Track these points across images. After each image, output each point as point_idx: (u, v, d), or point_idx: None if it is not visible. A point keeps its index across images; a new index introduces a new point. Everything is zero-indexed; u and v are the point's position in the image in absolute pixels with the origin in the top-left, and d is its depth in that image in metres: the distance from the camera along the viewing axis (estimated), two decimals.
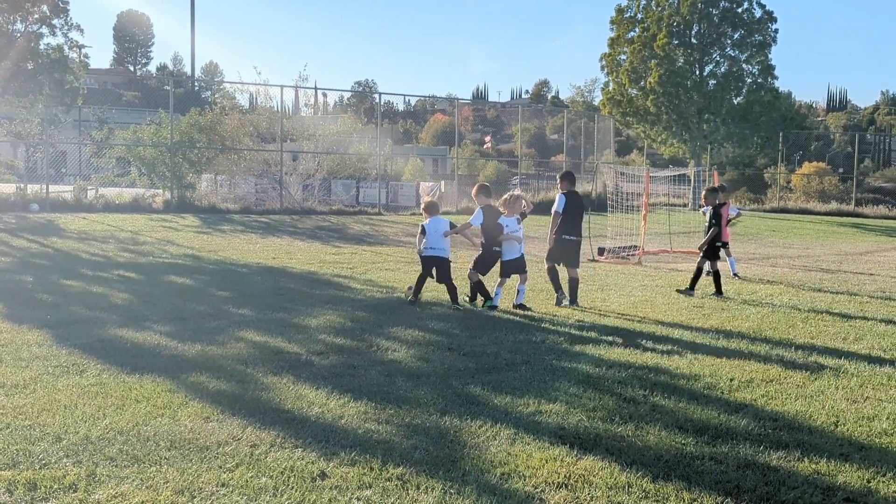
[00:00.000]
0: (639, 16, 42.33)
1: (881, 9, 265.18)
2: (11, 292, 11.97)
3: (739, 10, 40.94)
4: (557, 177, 13.01)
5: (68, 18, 24.45)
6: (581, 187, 38.53)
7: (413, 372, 7.82)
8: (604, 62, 43.15)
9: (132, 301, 11.54)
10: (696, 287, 13.48)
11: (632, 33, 42.16)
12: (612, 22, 42.98)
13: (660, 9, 41.49)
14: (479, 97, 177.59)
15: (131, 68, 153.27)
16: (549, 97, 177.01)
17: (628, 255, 19.46)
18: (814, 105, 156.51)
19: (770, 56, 40.86)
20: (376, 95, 36.27)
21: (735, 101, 40.69)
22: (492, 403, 6.85)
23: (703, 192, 14.85)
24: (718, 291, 13.35)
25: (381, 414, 6.48)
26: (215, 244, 19.54)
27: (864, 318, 11.46)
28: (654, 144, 45.74)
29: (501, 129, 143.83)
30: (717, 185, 17.85)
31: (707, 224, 14.12)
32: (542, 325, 10.50)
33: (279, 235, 22.34)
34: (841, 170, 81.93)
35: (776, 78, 40.86)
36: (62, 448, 5.57)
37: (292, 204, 30.68)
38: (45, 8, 24.16)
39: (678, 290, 13.56)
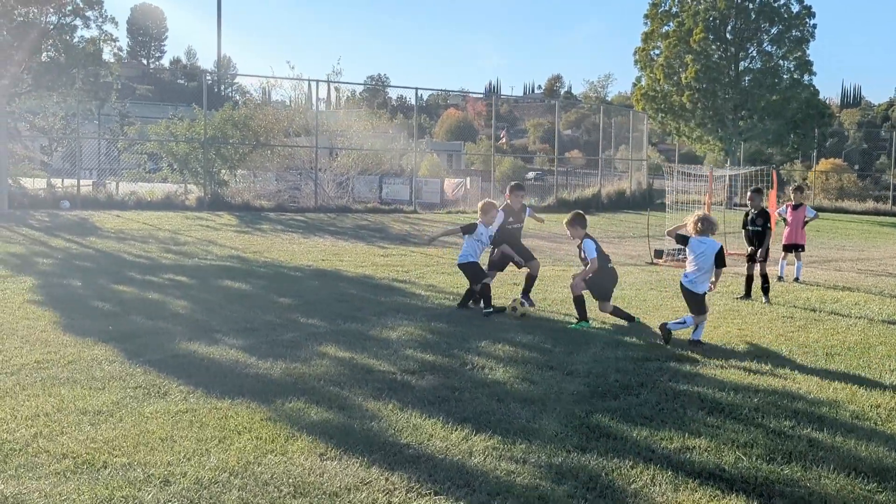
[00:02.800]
0: (674, 10, 41.45)
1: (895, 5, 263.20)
2: (64, 299, 11.33)
3: (777, 4, 40.01)
4: (565, 223, 11.17)
5: (103, 10, 23.79)
6: (614, 185, 37.91)
7: (525, 396, 7.14)
8: (637, 56, 42.29)
9: (193, 309, 10.89)
10: (769, 293, 12.98)
11: (666, 27, 41.30)
12: (645, 16, 42.14)
13: (696, 3, 40.63)
14: (492, 92, 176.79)
15: (145, 62, 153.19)
16: (563, 92, 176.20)
17: (684, 257, 18.69)
18: (828, 101, 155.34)
19: (808, 52, 39.99)
20: (389, 90, 35.38)
21: (772, 98, 39.73)
22: (628, 436, 6.17)
23: (750, 192, 13.98)
24: (747, 294, 13.06)
25: (513, 450, 5.81)
26: (259, 244, 18.89)
27: None
28: (687, 141, 44.90)
29: (515, 124, 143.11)
30: (776, 188, 17.04)
31: (754, 228, 13.38)
32: (631, 339, 9.81)
33: (321, 235, 21.68)
34: (857, 166, 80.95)
35: (814, 74, 40.02)
36: (175, 496, 4.91)
37: (326, 201, 30.02)
38: (78, 0, 23.52)
39: (764, 301, 12.76)
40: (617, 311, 10.72)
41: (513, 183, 12.38)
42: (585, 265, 10.77)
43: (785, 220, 15.92)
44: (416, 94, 34.70)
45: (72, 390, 6.99)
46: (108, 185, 29.94)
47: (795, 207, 15.71)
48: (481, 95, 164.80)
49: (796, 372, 8.29)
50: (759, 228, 13.21)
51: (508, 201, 12.10)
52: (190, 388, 7.13)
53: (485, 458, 5.65)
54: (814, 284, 15.04)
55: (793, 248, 15.52)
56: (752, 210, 13.49)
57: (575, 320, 10.61)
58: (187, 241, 18.94)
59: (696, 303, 9.66)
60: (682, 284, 9.91)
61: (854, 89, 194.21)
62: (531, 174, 72.11)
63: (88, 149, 32.25)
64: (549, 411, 6.71)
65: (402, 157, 36.33)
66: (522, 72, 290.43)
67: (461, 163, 75.46)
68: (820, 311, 12.03)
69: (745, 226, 13.67)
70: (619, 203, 35.84)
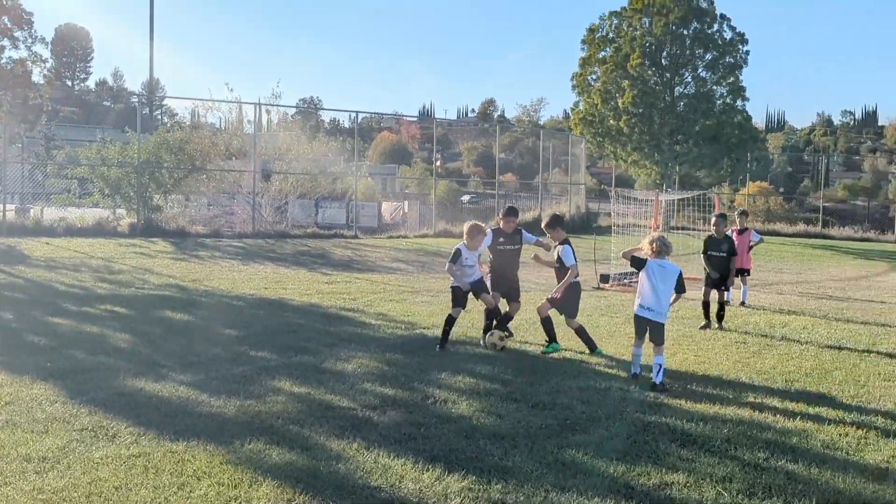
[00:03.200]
0: (610, 35, 41.90)
1: (815, 33, 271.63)
2: None
3: (711, 31, 40.71)
4: (544, 226, 11.04)
5: (32, 31, 23.03)
6: (553, 208, 38.05)
7: (493, 431, 6.89)
8: (574, 81, 42.59)
9: (135, 343, 10.43)
10: (723, 320, 12.76)
11: (603, 53, 41.71)
12: (583, 42, 42.49)
13: (632, 29, 41.13)
14: (426, 115, 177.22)
15: (70, 83, 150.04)
16: (496, 116, 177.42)
17: (630, 281, 18.69)
18: (755, 126, 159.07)
19: (741, 78, 40.72)
20: (322, 113, 34.93)
21: (706, 123, 40.34)
22: (605, 472, 5.96)
23: (714, 217, 13.41)
24: (709, 323, 12.63)
25: (489, 491, 5.56)
26: (197, 272, 18.34)
27: None
28: (624, 165, 45.32)
29: (449, 147, 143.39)
30: (719, 211, 16.99)
31: (719, 254, 12.85)
32: (590, 367, 9.65)
33: (261, 262, 21.19)
34: (782, 189, 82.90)
35: (747, 100, 40.71)
36: None
37: (264, 227, 29.46)
38: (6, 20, 22.71)
39: (717, 327, 12.61)
40: (582, 333, 10.50)
41: (507, 206, 11.76)
42: (558, 271, 10.55)
43: None
44: (356, 117, 34.45)
45: (12, 435, 6.53)
46: (31, 212, 28.94)
47: (741, 232, 15.78)
48: (415, 118, 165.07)
49: (760, 400, 8.20)
50: (725, 255, 12.82)
51: (500, 225, 11.47)
52: (140, 430, 6.73)
53: (462, 501, 5.38)
54: (760, 308, 15.10)
55: (738, 272, 15.53)
56: (716, 235, 13.18)
57: (545, 343, 10.51)
58: (122, 270, 18.31)
59: (661, 333, 9.00)
60: (644, 318, 9.10)
61: (778, 114, 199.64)
62: (466, 197, 72.22)
63: (12, 173, 31.22)
64: (521, 447, 6.47)
65: (336, 181, 35.82)
66: (456, 95, 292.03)
67: (395, 186, 75.23)
68: (771, 337, 12.02)
69: (706, 251, 13.11)
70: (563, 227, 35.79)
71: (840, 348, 11.17)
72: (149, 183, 28.01)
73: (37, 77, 25.17)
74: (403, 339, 11.20)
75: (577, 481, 5.75)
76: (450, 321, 10.61)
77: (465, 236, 10.71)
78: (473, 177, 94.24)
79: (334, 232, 30.81)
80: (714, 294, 12.74)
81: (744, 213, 16.37)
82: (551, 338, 10.49)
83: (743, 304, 15.23)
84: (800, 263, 26.46)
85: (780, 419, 7.50)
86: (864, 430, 7.19)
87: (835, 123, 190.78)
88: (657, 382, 8.54)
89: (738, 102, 40.99)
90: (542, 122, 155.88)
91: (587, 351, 10.39)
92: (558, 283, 10.57)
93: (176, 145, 28.52)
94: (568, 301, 10.47)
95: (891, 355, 10.60)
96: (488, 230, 11.17)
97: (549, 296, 10.50)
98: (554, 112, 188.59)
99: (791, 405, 8.00)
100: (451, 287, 10.84)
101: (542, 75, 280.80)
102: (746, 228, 15.96)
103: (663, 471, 5.99)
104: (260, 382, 8.47)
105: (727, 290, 12.65)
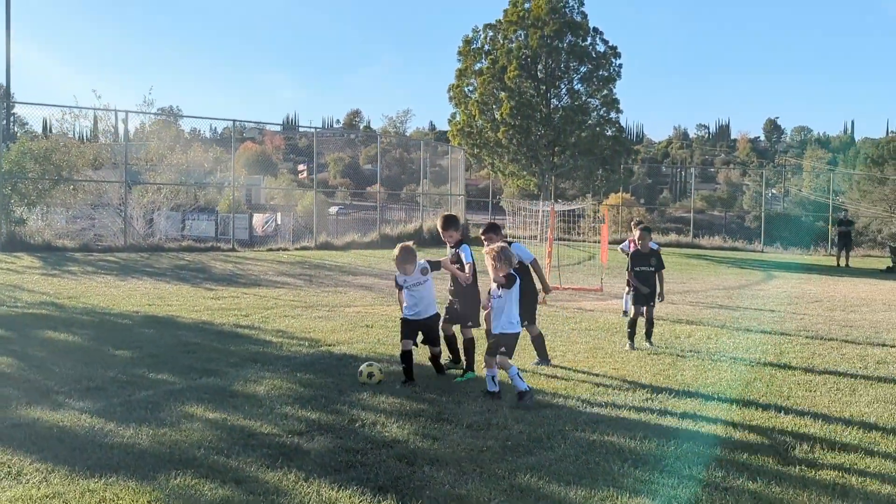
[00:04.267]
0: (486, 47, 42.11)
1: (671, 49, 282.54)
2: None
3: (585, 44, 41.41)
4: (440, 227, 10.25)
5: None
6: (434, 220, 37.87)
7: (434, 456, 6.52)
8: (451, 93, 42.60)
9: (20, 367, 9.59)
10: (652, 336, 12.20)
11: (479, 64, 41.87)
12: (459, 53, 42.55)
13: (508, 41, 41.45)
14: (291, 126, 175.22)
15: None
16: (362, 127, 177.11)
17: None
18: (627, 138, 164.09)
19: (615, 90, 41.57)
20: (183, 122, 33.74)
21: (581, 135, 41.00)
22: (564, 498, 5.69)
23: (639, 231, 12.91)
24: (632, 340, 11.93)
25: None
26: (73, 289, 17.25)
27: (829, 370, 11.05)
28: (501, 176, 45.59)
29: (313, 158, 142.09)
30: (603, 217, 17.08)
31: (647, 269, 12.26)
32: (506, 385, 9.39)
33: (139, 277, 20.15)
34: (643, 200, 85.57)
35: (621, 112, 41.60)
36: None
37: (137, 240, 28.13)
38: None
39: (647, 345, 11.98)
40: (540, 342, 10.40)
41: (445, 214, 10.61)
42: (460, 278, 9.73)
43: (628, 254, 16.06)
44: (234, 125, 33.26)
45: None
46: None
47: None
48: (279, 128, 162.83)
49: (695, 413, 8.11)
50: (653, 269, 12.28)
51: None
52: (47, 466, 6.08)
53: None
54: (658, 319, 15.18)
55: None
56: (641, 249, 12.63)
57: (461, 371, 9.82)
58: None
59: (514, 343, 8.71)
60: (508, 333, 8.58)
61: (637, 127, 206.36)
62: (333, 209, 71.35)
63: None
64: (470, 473, 6.13)
65: (200, 193, 34.56)
66: (321, 105, 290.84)
67: (261, 197, 73.65)
68: (679, 348, 12.03)
69: (633, 267, 12.47)
70: (440, 238, 35.68)
71: (750, 359, 11.24)
72: (11, 194, 26.33)
73: None
74: (310, 357, 10.70)
75: None
76: (403, 357, 9.29)
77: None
78: (341, 188, 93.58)
79: (211, 245, 29.74)
80: (645, 310, 12.10)
81: (640, 224, 16.48)
82: (455, 359, 10.02)
83: (625, 313, 15.32)
84: (680, 273, 27.04)
85: (720, 433, 7.41)
86: (809, 444, 7.15)
87: (690, 137, 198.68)
88: (492, 391, 8.48)
89: (612, 114, 41.84)
90: (408, 133, 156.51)
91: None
92: (456, 290, 10.05)
93: (41, 154, 26.93)
94: (473, 308, 9.97)
95: (804, 368, 10.67)
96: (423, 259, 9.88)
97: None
98: (420, 123, 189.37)
99: (728, 419, 7.93)
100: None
101: (406, 87, 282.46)
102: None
103: (627, 495, 5.74)
104: (169, 408, 7.86)
105: (654, 305, 12.19)
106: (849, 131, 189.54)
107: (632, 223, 16.76)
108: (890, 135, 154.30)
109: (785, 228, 50.15)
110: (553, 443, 6.94)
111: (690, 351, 11.81)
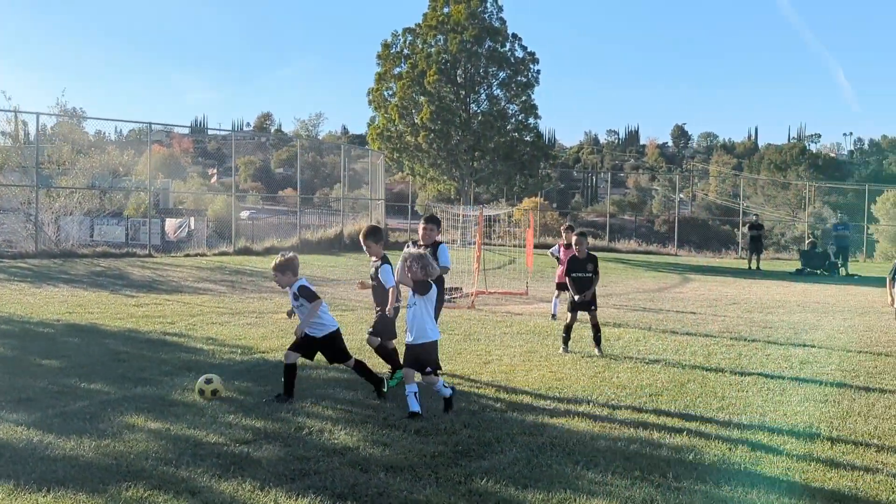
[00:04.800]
0: (405, 52, 42.12)
1: (580, 55, 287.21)
2: None
3: (503, 50, 41.76)
4: (365, 237, 9.83)
5: None
6: (355, 225, 37.76)
7: (387, 462, 6.51)
8: (371, 97, 42.49)
9: None
10: (601, 343, 12.05)
11: (399, 69, 41.84)
12: (378, 56, 42.44)
13: (427, 46, 41.53)
14: (199, 128, 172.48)
15: None
16: (273, 130, 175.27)
17: (450, 297, 18.70)
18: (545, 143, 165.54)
19: (533, 96, 42.03)
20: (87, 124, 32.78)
21: (500, 140, 41.30)
22: (524, 502, 5.73)
23: (575, 237, 12.78)
24: (567, 346, 11.96)
25: None
26: None
27: (756, 372, 11.38)
28: (420, 181, 45.62)
29: (223, 161, 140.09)
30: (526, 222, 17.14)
31: (583, 275, 12.27)
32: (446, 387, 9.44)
33: (55, 284, 19.56)
34: (555, 205, 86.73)
35: (539, 118, 42.04)
36: None
37: (48, 246, 27.29)
38: None
39: (597, 353, 11.82)
40: (393, 354, 9.80)
41: (369, 225, 10.28)
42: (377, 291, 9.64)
43: (558, 258, 16.28)
44: (149, 127, 32.55)
45: None
46: None
47: (568, 247, 16.03)
48: (187, 131, 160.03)
49: (636, 416, 8.25)
50: (590, 274, 12.30)
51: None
52: None
53: None
54: (584, 322, 15.39)
55: (567, 286, 15.77)
56: (578, 255, 12.53)
57: (389, 375, 9.68)
58: None
59: (435, 351, 8.34)
60: (426, 342, 8.21)
61: (549, 132, 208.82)
62: (245, 213, 70.37)
63: None
64: (425, 478, 6.14)
65: (105, 196, 33.57)
66: (231, 108, 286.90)
67: (170, 201, 72.15)
68: (610, 350, 12.18)
69: (570, 272, 12.47)
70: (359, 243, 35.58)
71: (681, 360, 11.47)
72: None
73: None
74: (244, 364, 10.57)
75: None
76: (285, 369, 8.78)
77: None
78: (252, 192, 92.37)
79: (126, 251, 29.06)
80: (588, 317, 12.11)
81: (570, 228, 16.65)
82: (395, 366, 9.72)
83: (554, 316, 15.51)
84: (601, 277, 27.42)
85: (665, 435, 7.52)
86: (749, 445, 7.32)
87: (601, 142, 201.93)
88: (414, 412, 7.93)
89: (531, 120, 42.30)
90: (320, 137, 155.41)
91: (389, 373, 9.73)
92: (375, 302, 9.87)
93: None
94: (386, 323, 9.66)
95: (733, 370, 10.89)
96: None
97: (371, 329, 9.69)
98: (333, 127, 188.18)
99: (668, 420, 8.10)
100: None
101: (318, 91, 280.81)
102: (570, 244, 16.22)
103: (584, 498, 5.82)
104: (108, 419, 7.68)
105: (595, 308, 12.17)
106: (752, 137, 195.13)
107: (562, 228, 16.88)
108: (792, 141, 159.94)
109: (694, 232, 51.45)
110: (503, 447, 7.00)
111: (622, 353, 12.00)
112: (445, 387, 8.33)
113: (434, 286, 8.36)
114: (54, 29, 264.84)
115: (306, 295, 8.73)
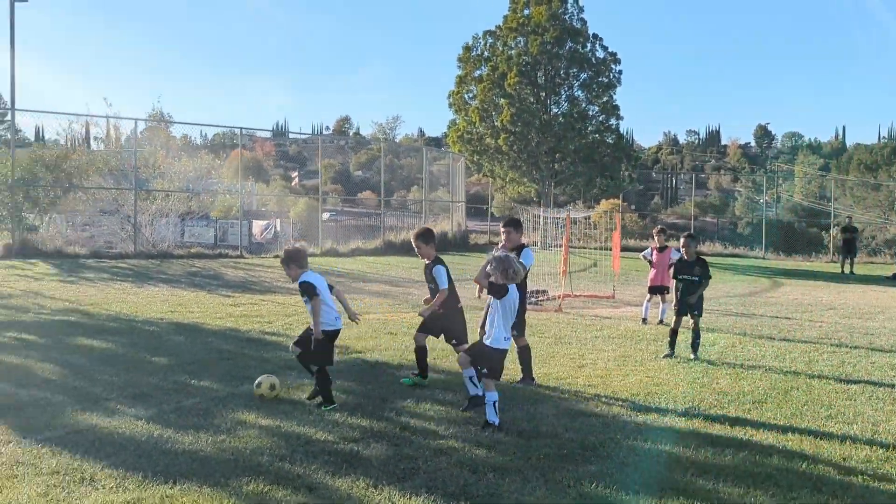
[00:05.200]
0: (486, 54, 42.35)
1: (662, 54, 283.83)
2: None
3: (584, 50, 41.68)
4: (416, 238, 9.85)
5: None
6: (437, 226, 38.06)
7: (493, 464, 6.65)
8: (451, 99, 42.84)
9: (64, 374, 9.71)
10: (699, 349, 11.93)
11: (479, 71, 42.10)
12: (459, 59, 42.80)
13: (507, 48, 41.69)
14: (280, 133, 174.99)
15: None
16: (352, 133, 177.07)
17: (539, 300, 18.80)
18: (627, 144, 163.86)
19: (615, 97, 41.86)
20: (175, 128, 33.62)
21: (581, 142, 41.23)
22: None
23: (683, 238, 12.47)
24: (672, 352, 11.94)
25: None
26: (93, 296, 17.34)
27: (863, 380, 11.20)
28: (500, 182, 45.79)
29: (304, 164, 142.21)
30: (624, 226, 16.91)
31: (690, 278, 11.98)
32: (549, 393, 9.55)
33: (155, 284, 20.24)
34: (633, 206, 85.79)
35: (621, 118, 41.87)
36: None
37: (146, 247, 28.22)
38: None
39: (693, 357, 11.77)
40: (526, 356, 9.94)
41: (422, 227, 10.39)
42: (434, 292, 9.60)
43: (651, 262, 16.23)
44: (240, 132, 33.31)
45: None
46: None
47: (661, 250, 16.00)
48: (269, 135, 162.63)
49: (741, 423, 8.21)
50: (697, 278, 11.99)
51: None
52: (119, 472, 6.22)
53: None
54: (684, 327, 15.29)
55: (658, 290, 15.76)
56: (686, 258, 12.26)
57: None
58: (11, 294, 17.14)
59: (500, 362, 7.96)
60: (492, 348, 7.89)
61: (628, 133, 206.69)
62: (325, 215, 71.28)
63: None
64: (534, 481, 6.27)
65: (192, 199, 34.37)
66: (310, 112, 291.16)
67: (253, 204, 73.65)
68: (707, 356, 12.03)
69: (676, 275, 12.25)
70: (442, 245, 35.96)
71: (781, 367, 11.34)
72: (23, 202, 26.45)
73: None
74: (344, 365, 10.82)
75: None
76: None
77: None
78: (332, 194, 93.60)
79: (219, 252, 29.86)
80: (690, 322, 11.96)
81: (662, 231, 16.59)
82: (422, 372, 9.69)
83: (661, 322, 15.35)
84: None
85: (776, 442, 7.50)
86: (863, 457, 7.20)
87: (680, 143, 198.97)
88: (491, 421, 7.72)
89: (612, 121, 42.10)
90: (397, 140, 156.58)
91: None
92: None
93: (52, 162, 27.03)
94: (459, 327, 9.64)
95: (838, 378, 10.70)
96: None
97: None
98: (409, 130, 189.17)
99: (777, 428, 8.03)
100: None
101: (395, 94, 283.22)
102: (666, 246, 16.15)
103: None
104: (220, 415, 8.01)
105: (699, 314, 12.02)
106: (840, 137, 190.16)
107: (655, 231, 16.81)
108: (882, 141, 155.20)
109: (780, 235, 50.37)
110: (608, 451, 7.08)
111: (719, 359, 11.90)
112: (476, 386, 8.35)
113: (512, 290, 8.01)
114: (147, 37, 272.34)
115: (306, 291, 8.78)
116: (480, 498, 5.89)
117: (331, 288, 9.25)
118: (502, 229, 10.44)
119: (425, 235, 9.88)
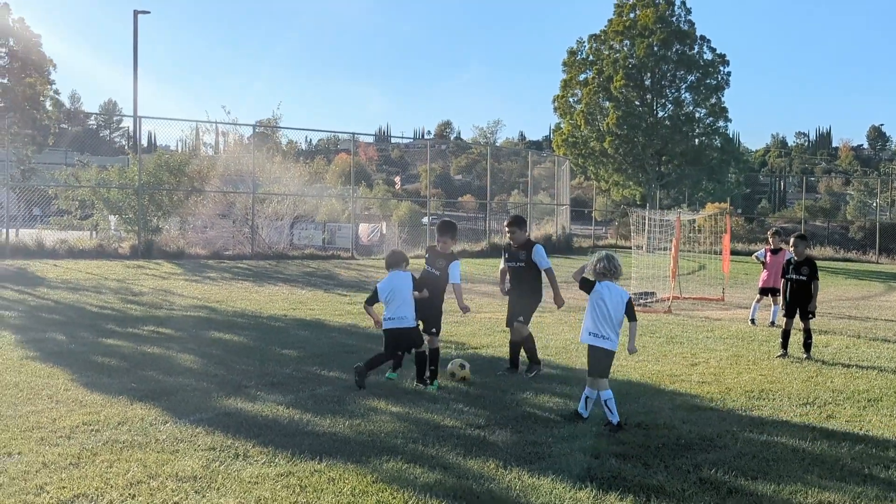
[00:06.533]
0: (590, 58, 42.47)
1: (770, 55, 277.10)
2: (63, 355, 10.69)
3: (692, 52, 41.40)
4: (438, 229, 10.26)
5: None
6: (541, 229, 38.34)
7: (614, 451, 6.98)
8: (556, 103, 43.09)
9: (204, 364, 10.43)
10: (812, 349, 12.07)
11: (584, 75, 42.25)
12: (564, 64, 43.02)
13: (613, 52, 41.73)
14: (383, 137, 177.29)
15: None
16: (453, 137, 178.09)
17: (647, 301, 18.96)
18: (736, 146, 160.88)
19: (723, 99, 41.45)
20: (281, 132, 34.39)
21: (688, 144, 40.96)
22: (754, 493, 6.07)
23: (793, 238, 12.58)
24: (785, 351, 12.01)
25: None
26: (218, 293, 18.29)
27: None
28: (605, 185, 45.81)
29: (406, 169, 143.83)
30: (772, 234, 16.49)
31: (798, 278, 12.07)
32: (672, 386, 9.81)
33: (274, 283, 21.15)
34: (740, 210, 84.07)
35: (729, 121, 41.43)
36: None
37: (263, 248, 29.39)
38: (11, 42, 22.49)
39: (805, 356, 11.87)
40: (529, 344, 10.36)
41: (445, 220, 10.77)
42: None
43: (763, 263, 16.23)
44: (353, 138, 34.31)
45: (147, 454, 6.57)
46: (18, 234, 28.54)
47: (775, 252, 15.97)
48: (371, 140, 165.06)
49: (857, 419, 8.35)
50: (805, 278, 12.05)
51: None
52: (269, 450, 6.78)
53: None
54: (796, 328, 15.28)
55: (770, 291, 15.78)
56: (795, 258, 12.36)
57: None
58: (143, 291, 18.20)
59: (600, 361, 7.97)
60: (595, 346, 8.00)
61: (734, 135, 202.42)
62: (426, 219, 72.05)
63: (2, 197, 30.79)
64: (654, 467, 6.58)
65: (298, 203, 35.41)
66: (412, 117, 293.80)
67: (357, 207, 74.87)
68: (821, 356, 12.10)
69: (784, 275, 12.40)
70: (547, 247, 36.09)
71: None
72: (149, 205, 27.88)
73: (44, 99, 24.85)
74: (465, 358, 11.26)
75: (742, 501, 5.88)
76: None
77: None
78: (434, 198, 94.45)
79: (331, 253, 30.83)
80: (801, 323, 12.02)
81: (777, 233, 16.53)
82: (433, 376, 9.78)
83: (773, 324, 15.34)
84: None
85: (889, 438, 7.62)
86: None
87: (789, 145, 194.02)
88: (616, 423, 7.73)
89: (720, 123, 41.67)
90: (498, 143, 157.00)
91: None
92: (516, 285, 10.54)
93: (175, 167, 28.42)
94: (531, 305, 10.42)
95: None
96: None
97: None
98: (510, 133, 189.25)
99: (889, 424, 8.16)
100: None
101: (494, 97, 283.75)
102: (781, 248, 16.07)
103: (815, 491, 6.06)
104: (352, 402, 8.54)
105: (812, 316, 12.01)
106: None
107: (769, 232, 16.78)
108: None
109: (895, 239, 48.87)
110: (725, 441, 7.35)
111: (832, 359, 11.94)
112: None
113: (596, 286, 8.07)
114: (266, 45, 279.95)
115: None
116: (605, 480, 6.24)
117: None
118: (507, 228, 10.76)
119: (451, 229, 10.30)
